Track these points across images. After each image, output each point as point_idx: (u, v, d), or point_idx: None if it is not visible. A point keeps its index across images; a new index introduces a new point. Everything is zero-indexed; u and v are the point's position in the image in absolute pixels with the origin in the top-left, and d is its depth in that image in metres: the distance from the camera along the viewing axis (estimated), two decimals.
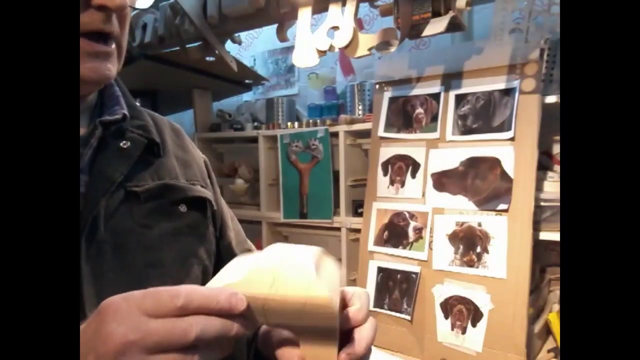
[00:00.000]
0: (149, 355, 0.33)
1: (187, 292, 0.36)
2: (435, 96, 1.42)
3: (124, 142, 0.58)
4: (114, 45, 0.55)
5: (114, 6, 0.52)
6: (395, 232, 1.43)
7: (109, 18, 0.53)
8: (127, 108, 0.61)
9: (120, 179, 0.56)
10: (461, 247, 1.29)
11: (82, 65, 0.52)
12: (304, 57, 1.32)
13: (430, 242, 1.35)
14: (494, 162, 1.27)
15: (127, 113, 0.60)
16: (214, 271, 0.67)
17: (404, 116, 1.48)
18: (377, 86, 1.56)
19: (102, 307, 0.35)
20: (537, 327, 1.27)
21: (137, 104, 0.66)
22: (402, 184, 1.45)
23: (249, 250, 0.78)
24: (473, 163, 1.31)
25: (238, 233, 0.77)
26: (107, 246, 0.53)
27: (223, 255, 0.71)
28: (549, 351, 1.28)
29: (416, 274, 1.36)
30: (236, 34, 1.63)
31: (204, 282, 0.63)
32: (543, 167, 1.36)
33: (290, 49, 1.71)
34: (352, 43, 1.25)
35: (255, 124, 2.09)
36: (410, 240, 1.40)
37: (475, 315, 1.24)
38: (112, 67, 0.56)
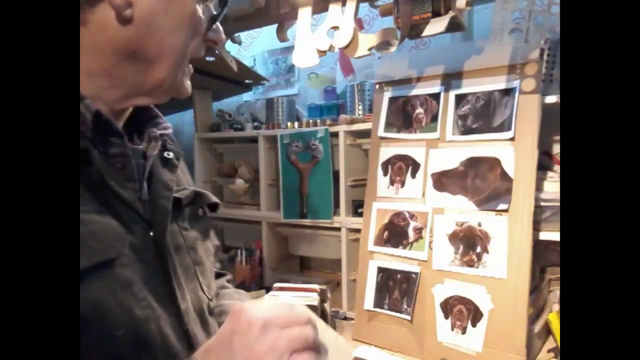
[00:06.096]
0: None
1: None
2: (435, 96, 1.42)
3: (167, 152, 0.64)
4: None
5: (221, 43, 0.64)
6: (395, 232, 1.43)
7: None
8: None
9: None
10: (461, 247, 1.29)
11: (184, 83, 0.60)
12: (304, 57, 1.31)
13: (430, 242, 1.35)
14: (494, 162, 1.27)
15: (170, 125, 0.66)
16: None
17: (404, 116, 1.48)
18: (377, 86, 1.56)
19: (239, 314, 0.45)
20: (537, 327, 1.27)
21: None
22: (402, 184, 1.45)
23: None
24: (473, 163, 1.31)
25: None
26: (170, 248, 0.59)
27: None
28: (549, 351, 1.28)
29: (416, 274, 1.36)
30: (236, 34, 1.63)
31: None
32: (543, 167, 1.35)
33: (290, 49, 1.70)
34: (352, 43, 1.25)
35: (255, 124, 2.09)
36: (410, 240, 1.39)
37: (475, 315, 1.24)
38: None
